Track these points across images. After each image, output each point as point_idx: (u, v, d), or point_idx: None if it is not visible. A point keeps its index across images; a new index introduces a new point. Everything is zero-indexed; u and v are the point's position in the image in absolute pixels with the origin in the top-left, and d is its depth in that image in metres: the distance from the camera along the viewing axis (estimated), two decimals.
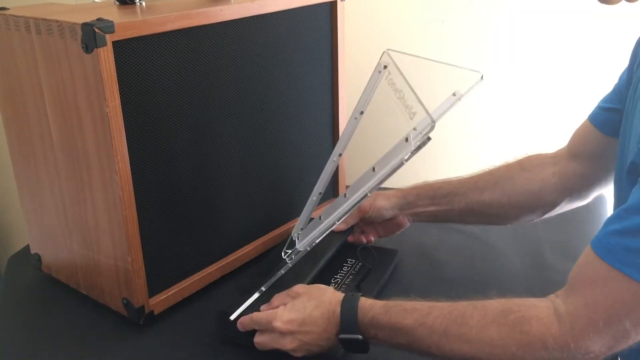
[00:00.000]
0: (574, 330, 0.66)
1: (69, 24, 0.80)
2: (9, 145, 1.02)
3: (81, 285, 1.01)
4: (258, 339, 0.85)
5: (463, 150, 1.62)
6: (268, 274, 0.95)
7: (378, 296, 0.98)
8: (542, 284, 1.01)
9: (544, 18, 1.48)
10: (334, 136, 1.22)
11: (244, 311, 0.87)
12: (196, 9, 0.90)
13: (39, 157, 0.96)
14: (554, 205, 1.01)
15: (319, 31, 1.12)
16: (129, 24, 0.82)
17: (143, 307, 0.92)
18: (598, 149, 0.94)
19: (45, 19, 0.83)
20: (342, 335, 0.79)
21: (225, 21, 0.94)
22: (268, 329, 0.83)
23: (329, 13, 1.13)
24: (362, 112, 0.88)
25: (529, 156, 1.04)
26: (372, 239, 1.10)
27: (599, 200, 1.32)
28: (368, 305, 0.79)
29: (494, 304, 0.72)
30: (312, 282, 0.94)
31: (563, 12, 1.46)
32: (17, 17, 0.88)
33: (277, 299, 0.87)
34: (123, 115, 0.83)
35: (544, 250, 1.13)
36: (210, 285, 1.02)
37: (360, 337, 0.78)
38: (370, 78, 0.87)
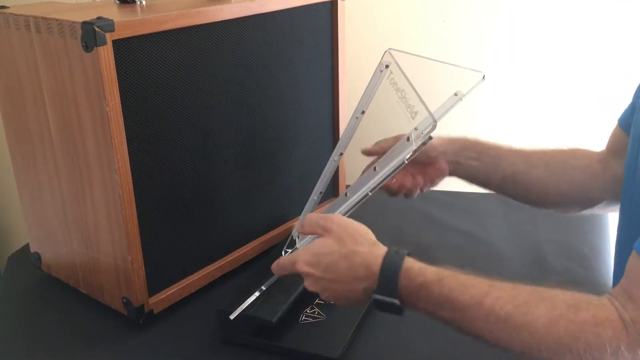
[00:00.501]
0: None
1: (68, 22, 0.80)
2: (8, 144, 1.02)
3: (81, 284, 1.01)
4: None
5: None
6: (268, 273, 0.95)
7: None
8: (542, 284, 1.00)
9: (545, 17, 1.48)
10: (334, 135, 1.22)
11: (243, 310, 0.87)
12: (196, 7, 0.90)
13: (39, 156, 0.96)
14: (596, 201, 0.96)
15: (319, 30, 1.12)
16: (129, 23, 0.81)
17: (143, 306, 0.92)
18: None
19: (45, 18, 0.83)
20: (376, 296, 0.72)
21: (225, 20, 0.94)
22: (293, 272, 0.78)
23: (330, 12, 1.13)
24: (363, 112, 0.87)
25: (578, 148, 0.99)
26: (421, 180, 0.99)
27: None
28: (417, 269, 0.71)
29: (561, 296, 0.67)
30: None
31: (564, 11, 1.46)
32: (17, 15, 0.88)
33: (308, 222, 0.80)
34: (123, 114, 0.83)
35: (544, 250, 1.13)
36: (210, 284, 1.02)
37: (397, 302, 0.71)
38: (371, 77, 0.87)
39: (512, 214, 1.26)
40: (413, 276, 0.70)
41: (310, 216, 0.81)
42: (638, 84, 0.88)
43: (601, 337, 0.63)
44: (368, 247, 0.74)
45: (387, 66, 0.83)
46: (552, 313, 0.65)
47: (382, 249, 0.74)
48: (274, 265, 0.82)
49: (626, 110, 0.92)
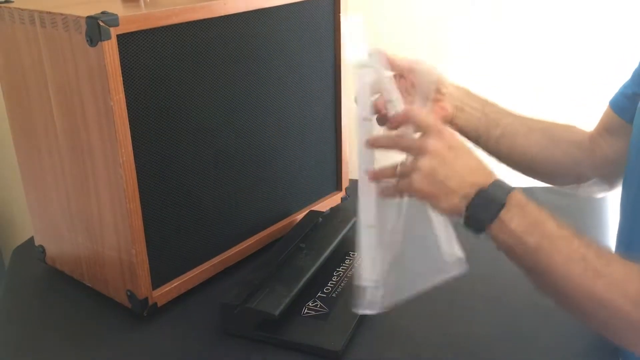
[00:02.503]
0: None
1: (73, 17, 0.81)
2: (13, 138, 1.02)
3: (85, 277, 1.01)
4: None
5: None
6: (271, 266, 0.96)
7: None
8: None
9: (546, 17, 1.48)
10: (337, 130, 1.22)
11: (245, 303, 0.88)
12: (200, 2, 0.90)
13: (44, 150, 0.97)
14: (584, 178, 0.96)
15: (322, 25, 1.12)
16: (133, 18, 0.82)
17: (147, 299, 0.93)
18: (622, 135, 0.90)
19: (50, 12, 0.84)
20: (495, 181, 0.69)
21: (228, 15, 0.94)
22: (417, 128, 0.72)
23: (332, 6, 1.13)
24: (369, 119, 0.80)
25: (574, 125, 0.99)
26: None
27: (600, 198, 1.32)
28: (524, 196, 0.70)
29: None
30: (314, 277, 0.94)
31: (564, 11, 1.46)
32: (22, 10, 0.88)
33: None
34: (127, 108, 0.83)
35: None
36: (214, 277, 1.03)
37: (504, 200, 0.67)
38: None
39: None
40: (521, 193, 0.69)
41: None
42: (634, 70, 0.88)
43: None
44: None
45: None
46: (627, 267, 0.65)
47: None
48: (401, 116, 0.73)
49: (619, 93, 0.93)
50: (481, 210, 0.68)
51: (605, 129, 0.94)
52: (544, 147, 0.95)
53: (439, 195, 0.69)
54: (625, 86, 0.92)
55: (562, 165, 0.96)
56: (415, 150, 0.71)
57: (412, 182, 0.70)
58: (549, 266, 0.66)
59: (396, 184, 0.73)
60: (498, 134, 0.93)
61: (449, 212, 0.70)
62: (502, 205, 0.67)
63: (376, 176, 0.75)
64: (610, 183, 0.97)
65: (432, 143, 0.70)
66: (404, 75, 0.85)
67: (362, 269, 0.75)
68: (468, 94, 0.93)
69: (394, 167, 0.74)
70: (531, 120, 0.97)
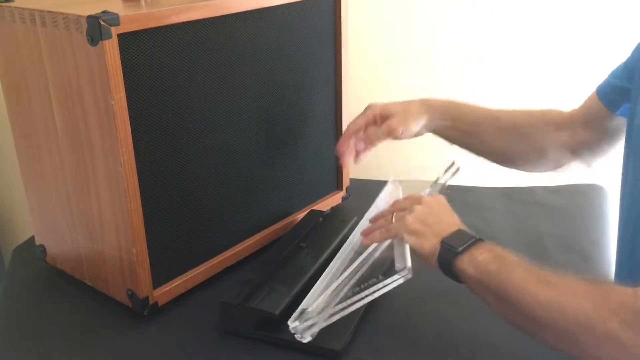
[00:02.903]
0: None
1: (74, 16, 0.81)
2: (14, 138, 1.02)
3: (86, 277, 1.02)
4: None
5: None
6: (271, 265, 0.96)
7: None
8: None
9: (546, 17, 1.48)
10: (337, 130, 1.22)
11: (246, 303, 0.88)
12: (201, 1, 0.90)
13: (44, 149, 0.97)
14: (558, 165, 1.04)
15: (322, 23, 1.12)
16: (134, 17, 0.82)
17: (147, 298, 0.93)
18: (605, 124, 0.95)
19: (51, 12, 0.84)
20: (458, 230, 0.80)
21: (229, 14, 0.94)
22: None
23: (333, 5, 1.13)
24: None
25: (549, 110, 1.04)
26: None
27: (600, 193, 1.33)
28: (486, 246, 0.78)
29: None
30: (315, 275, 0.94)
31: (564, 11, 1.47)
32: (23, 9, 0.88)
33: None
34: (128, 107, 0.83)
35: (546, 244, 1.13)
36: (214, 277, 1.03)
37: (477, 238, 0.78)
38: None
39: (513, 208, 1.27)
40: (485, 245, 0.78)
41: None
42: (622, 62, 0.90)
43: (609, 298, 0.64)
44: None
45: None
46: (574, 280, 0.69)
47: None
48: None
49: (607, 83, 0.94)
50: (456, 240, 0.79)
51: (586, 115, 0.98)
52: (513, 143, 1.03)
53: (426, 234, 0.82)
54: (615, 76, 0.93)
55: (532, 156, 1.04)
56: (410, 205, 0.86)
57: (406, 221, 0.84)
58: (507, 284, 0.72)
59: (389, 227, 0.86)
60: (469, 142, 1.06)
61: (428, 250, 0.81)
62: (475, 240, 0.78)
63: (373, 220, 0.92)
64: (588, 165, 1.02)
65: (425, 199, 0.87)
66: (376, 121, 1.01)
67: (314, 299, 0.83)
68: (443, 114, 1.03)
69: (387, 216, 0.90)
70: (501, 118, 1.04)
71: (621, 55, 0.90)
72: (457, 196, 1.30)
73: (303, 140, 1.15)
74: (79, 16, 0.80)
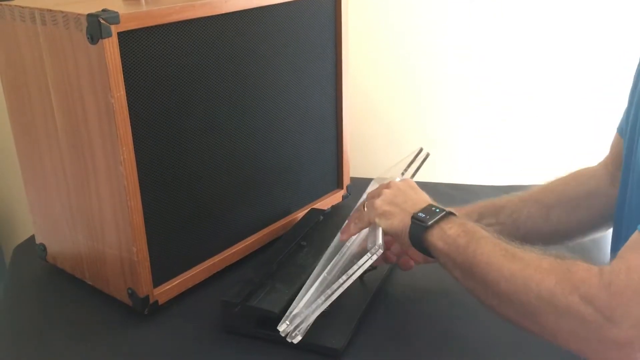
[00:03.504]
0: (611, 286, 0.62)
1: (74, 14, 0.81)
2: (14, 136, 1.02)
3: (86, 276, 1.02)
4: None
5: (476, 154, 1.62)
6: (272, 264, 0.96)
7: (381, 289, 0.98)
8: None
9: (546, 17, 1.48)
10: (338, 128, 1.22)
11: (246, 301, 0.88)
12: (201, 0, 0.90)
13: (44, 148, 0.97)
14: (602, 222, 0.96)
15: (323, 22, 1.12)
16: (133, 15, 0.82)
17: (148, 297, 0.93)
18: None
19: (51, 10, 0.84)
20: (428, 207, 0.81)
21: (229, 12, 0.94)
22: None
23: (333, 4, 1.13)
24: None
25: (578, 171, 0.99)
26: (412, 264, 0.98)
27: None
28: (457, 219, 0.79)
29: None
30: (316, 274, 0.95)
31: (564, 11, 1.46)
32: (22, 7, 0.88)
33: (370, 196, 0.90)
34: (128, 105, 0.83)
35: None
36: (215, 275, 1.03)
37: (448, 211, 0.79)
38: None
39: None
40: (454, 218, 0.80)
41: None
42: (630, 88, 0.88)
43: (573, 273, 0.65)
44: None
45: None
46: (540, 254, 0.70)
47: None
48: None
49: (623, 118, 0.91)
50: (426, 214, 0.80)
51: (617, 157, 0.91)
52: (568, 220, 0.97)
53: (395, 213, 0.84)
54: (627, 112, 0.88)
55: (588, 222, 0.97)
56: (379, 192, 0.88)
57: (375, 204, 0.86)
58: (474, 258, 0.73)
59: (361, 215, 0.89)
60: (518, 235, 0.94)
61: (399, 228, 0.82)
62: (446, 214, 0.79)
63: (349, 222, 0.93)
64: None
65: (393, 183, 0.88)
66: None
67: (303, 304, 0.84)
68: (481, 214, 0.98)
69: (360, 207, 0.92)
70: (540, 194, 0.98)
71: (621, 56, 0.89)
72: (457, 195, 1.31)
73: (303, 139, 1.15)
74: (79, 15, 0.80)
